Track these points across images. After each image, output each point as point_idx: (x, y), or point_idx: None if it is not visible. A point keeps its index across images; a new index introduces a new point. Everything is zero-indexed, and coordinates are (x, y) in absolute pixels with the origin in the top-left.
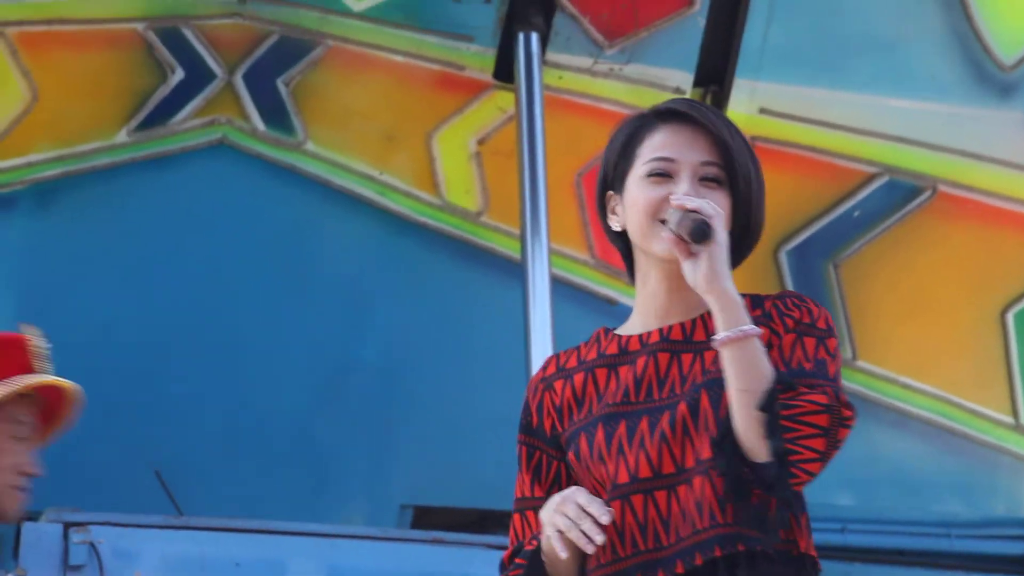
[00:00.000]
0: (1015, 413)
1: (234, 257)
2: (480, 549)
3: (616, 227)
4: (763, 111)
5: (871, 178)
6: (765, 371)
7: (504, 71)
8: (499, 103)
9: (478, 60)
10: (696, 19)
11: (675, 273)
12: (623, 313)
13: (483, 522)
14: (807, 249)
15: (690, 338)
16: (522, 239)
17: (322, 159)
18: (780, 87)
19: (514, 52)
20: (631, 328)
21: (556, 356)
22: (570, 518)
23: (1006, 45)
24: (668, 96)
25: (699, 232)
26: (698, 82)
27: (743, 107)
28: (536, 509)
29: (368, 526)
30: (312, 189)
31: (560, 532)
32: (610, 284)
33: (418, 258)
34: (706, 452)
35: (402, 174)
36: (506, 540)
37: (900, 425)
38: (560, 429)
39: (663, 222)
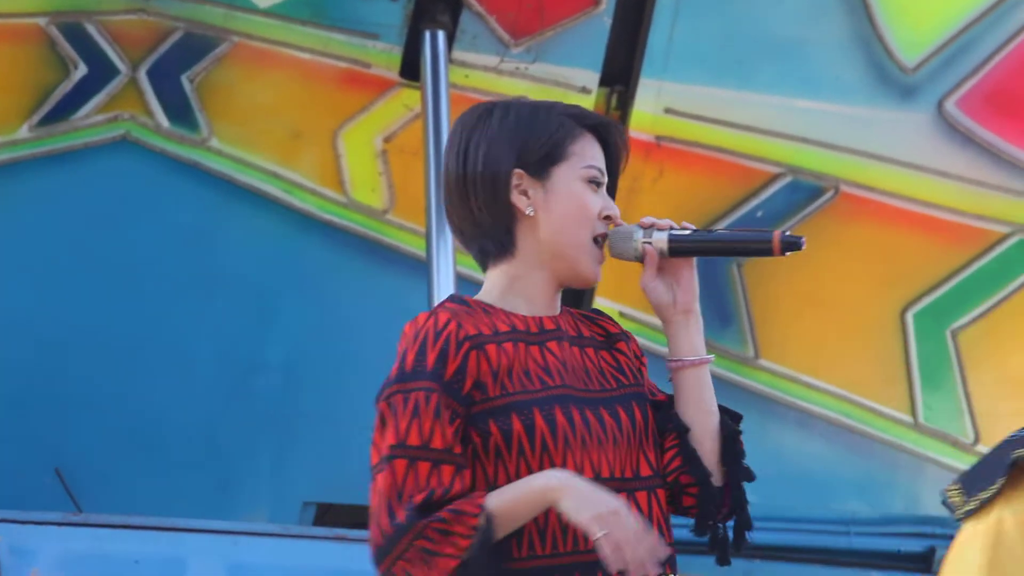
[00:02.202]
0: (914, 412)
1: (137, 254)
2: None
3: (528, 211)
4: (668, 111)
5: (774, 178)
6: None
7: (410, 69)
8: (405, 101)
9: (384, 58)
10: (602, 19)
11: (555, 280)
12: None
13: None
14: None
15: (581, 334)
16: (427, 237)
17: (227, 156)
18: (686, 87)
19: (420, 50)
20: (517, 308)
21: (454, 316)
22: (629, 537)
23: (908, 47)
24: (575, 96)
25: (795, 245)
26: (604, 81)
27: (649, 107)
28: (454, 464)
29: (270, 523)
30: (216, 186)
31: (614, 546)
32: None
33: (323, 256)
34: (646, 469)
35: (307, 172)
36: None
37: (801, 424)
38: (491, 394)
39: (598, 241)
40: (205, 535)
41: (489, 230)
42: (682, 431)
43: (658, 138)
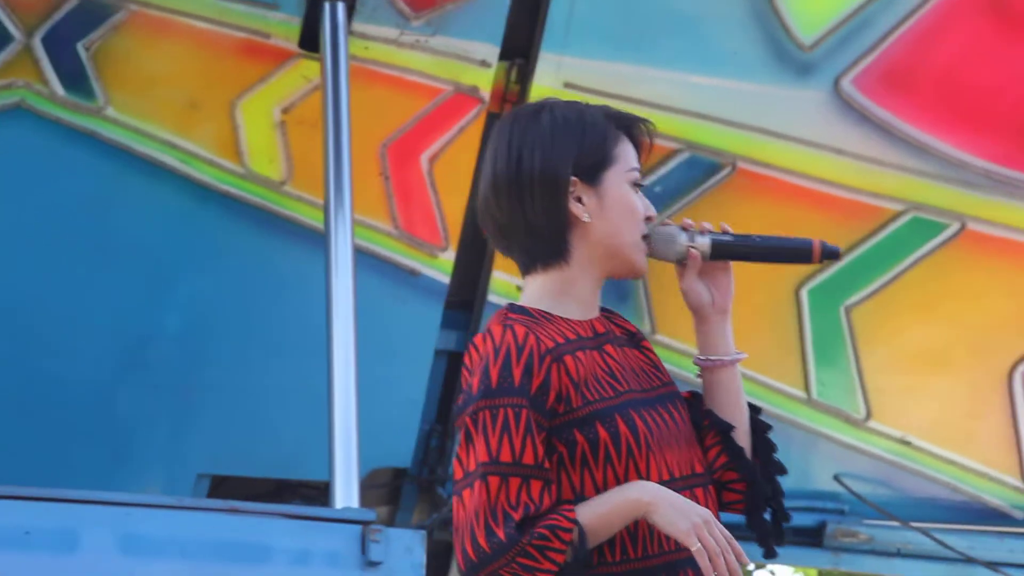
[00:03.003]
0: (807, 388)
1: (32, 224)
2: (277, 519)
3: (585, 218)
4: (568, 85)
5: (672, 154)
6: None
7: (310, 40)
8: (304, 72)
9: (283, 28)
10: None
11: (604, 277)
12: (425, 284)
13: (280, 492)
14: None
15: (623, 332)
16: (326, 209)
17: (123, 125)
18: (585, 62)
19: (320, 21)
20: (566, 311)
21: (529, 329)
22: (718, 544)
23: (805, 25)
24: (474, 68)
25: (833, 254)
26: (504, 55)
27: (549, 81)
28: (543, 480)
29: (164, 495)
30: (113, 156)
31: (711, 555)
32: (413, 255)
33: (221, 227)
34: (699, 465)
35: (205, 142)
36: (304, 510)
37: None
38: (574, 404)
39: (644, 238)
40: (97, 506)
41: (543, 235)
42: (726, 429)
43: None
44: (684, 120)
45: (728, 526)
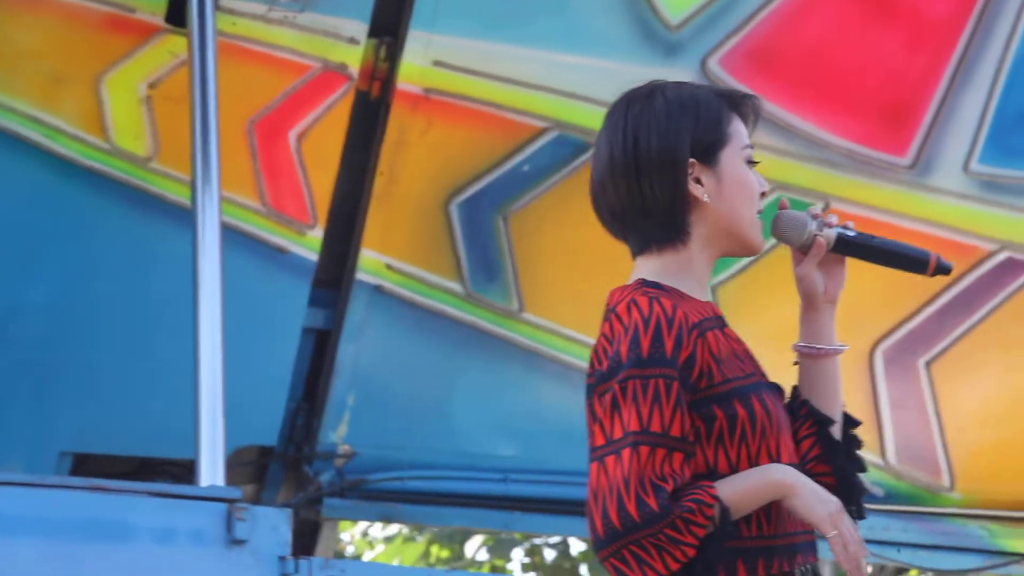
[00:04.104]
0: None
1: None
2: (141, 497)
3: (705, 198)
4: (437, 63)
5: (541, 132)
6: None
7: (176, 15)
8: (171, 48)
9: (149, 3)
10: None
11: (719, 255)
12: (293, 262)
13: (144, 470)
14: (477, 202)
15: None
16: (192, 186)
17: None
18: (455, 40)
19: None
20: (689, 290)
21: (675, 304)
22: (854, 536)
23: (673, 5)
24: (342, 45)
25: (945, 271)
26: (372, 32)
27: (418, 59)
28: (684, 452)
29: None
30: None
31: (843, 544)
32: (281, 233)
33: (86, 203)
34: (795, 455)
35: (69, 117)
36: (169, 488)
37: (564, 377)
38: (715, 380)
39: (758, 213)
40: None
41: (660, 217)
42: (825, 422)
43: (426, 91)
44: (553, 99)
45: None
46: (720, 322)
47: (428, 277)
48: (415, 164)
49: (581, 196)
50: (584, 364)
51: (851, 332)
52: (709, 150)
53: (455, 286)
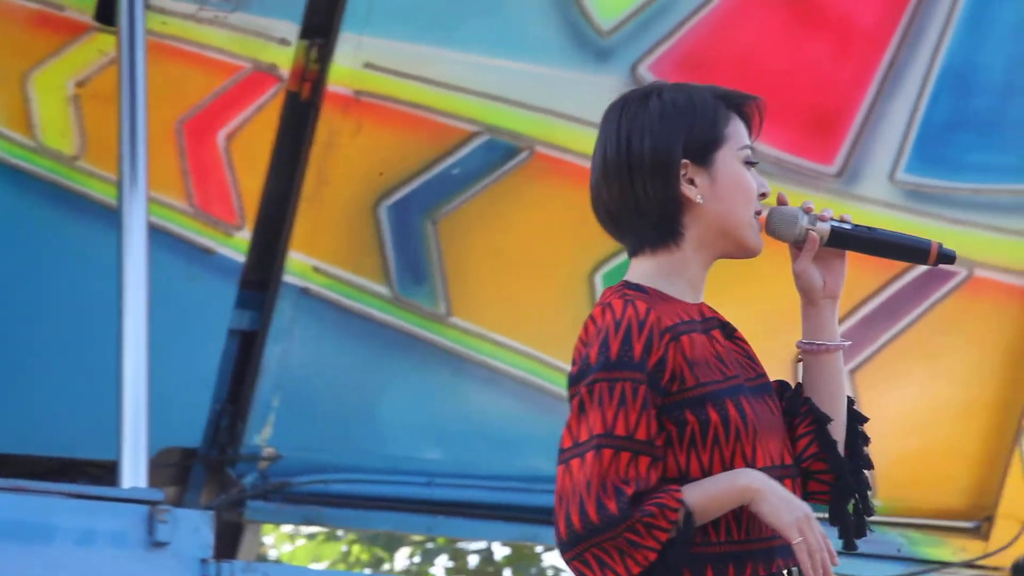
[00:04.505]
0: None
1: None
2: (61, 498)
3: (698, 199)
4: (368, 66)
5: (471, 136)
6: None
7: (105, 13)
8: (100, 46)
9: (78, 1)
10: None
11: (716, 257)
12: (220, 263)
13: (65, 471)
14: (407, 205)
15: (721, 322)
16: (119, 186)
17: None
18: (386, 42)
19: None
20: (679, 294)
21: (650, 307)
22: (821, 543)
23: (604, 10)
24: (273, 46)
25: (949, 259)
26: (304, 34)
27: (349, 61)
28: (651, 456)
29: None
30: None
31: (810, 551)
32: (208, 233)
33: (10, 202)
34: (789, 456)
35: None
36: (90, 489)
37: (491, 381)
38: (688, 384)
39: (756, 215)
40: None
41: (654, 218)
42: (823, 420)
43: (357, 93)
44: (483, 103)
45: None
46: (707, 324)
47: (356, 280)
48: (345, 166)
49: (511, 200)
50: (511, 369)
51: (776, 339)
52: (703, 151)
53: (383, 289)
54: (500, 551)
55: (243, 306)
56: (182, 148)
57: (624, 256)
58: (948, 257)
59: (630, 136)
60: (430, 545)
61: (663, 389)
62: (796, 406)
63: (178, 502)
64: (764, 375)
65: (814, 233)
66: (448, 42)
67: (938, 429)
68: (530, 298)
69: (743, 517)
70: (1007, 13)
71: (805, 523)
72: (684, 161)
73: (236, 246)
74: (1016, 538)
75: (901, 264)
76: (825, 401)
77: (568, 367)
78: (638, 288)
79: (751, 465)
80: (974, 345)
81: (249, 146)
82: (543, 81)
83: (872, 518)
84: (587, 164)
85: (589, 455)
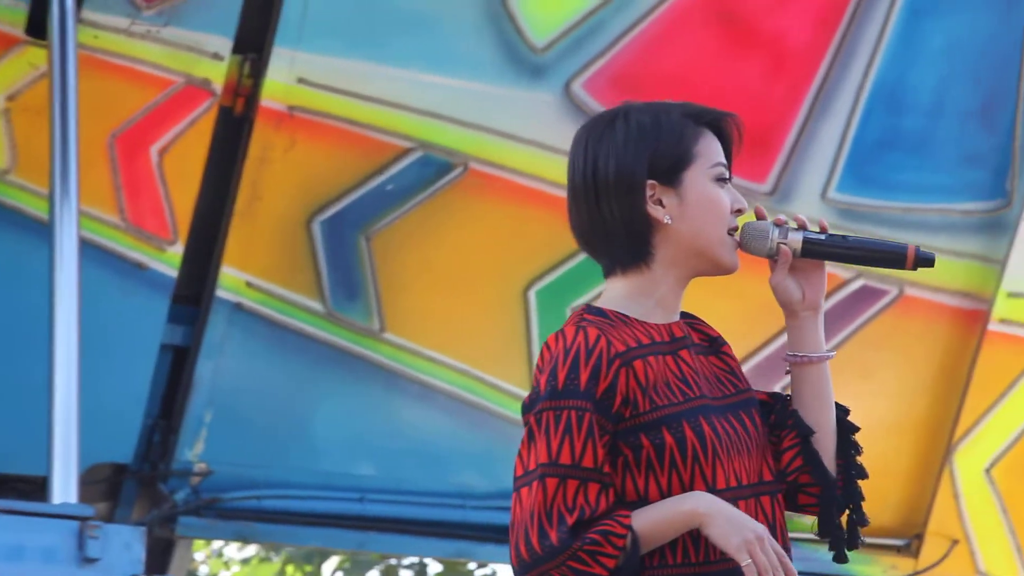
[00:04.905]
0: None
1: None
2: None
3: (666, 220)
4: (302, 81)
5: (405, 152)
6: None
7: (37, 27)
8: (31, 59)
9: (9, 14)
10: None
11: (690, 276)
12: (152, 278)
13: None
14: (340, 221)
15: (704, 339)
16: (51, 200)
17: None
18: (319, 58)
19: (48, 8)
20: (646, 315)
21: (602, 332)
22: (769, 561)
23: (538, 28)
24: (206, 61)
25: (928, 261)
26: (237, 49)
27: (282, 76)
28: (601, 483)
29: None
30: None
31: (760, 572)
32: (140, 248)
33: None
34: (768, 473)
35: None
36: (19, 505)
37: (424, 398)
38: (641, 409)
39: (731, 232)
40: None
41: (623, 240)
42: (807, 433)
43: (291, 108)
44: (417, 119)
45: None
46: (676, 344)
47: (289, 295)
48: (278, 181)
49: (444, 216)
50: (444, 385)
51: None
52: (670, 171)
53: (316, 305)
54: (433, 567)
55: (176, 321)
56: (114, 162)
57: (558, 272)
58: (927, 260)
59: (596, 159)
60: (362, 559)
61: (615, 415)
62: (784, 419)
63: (109, 518)
64: (744, 391)
65: (785, 247)
66: (382, 58)
67: (870, 446)
68: (463, 314)
69: (700, 540)
70: (936, 35)
71: (755, 544)
72: (650, 182)
73: (169, 261)
74: (946, 556)
75: (834, 283)
76: (815, 412)
77: (501, 383)
78: (598, 312)
79: (711, 486)
80: (905, 363)
81: (182, 161)
82: (477, 97)
83: (804, 535)
84: (521, 180)
85: (535, 484)
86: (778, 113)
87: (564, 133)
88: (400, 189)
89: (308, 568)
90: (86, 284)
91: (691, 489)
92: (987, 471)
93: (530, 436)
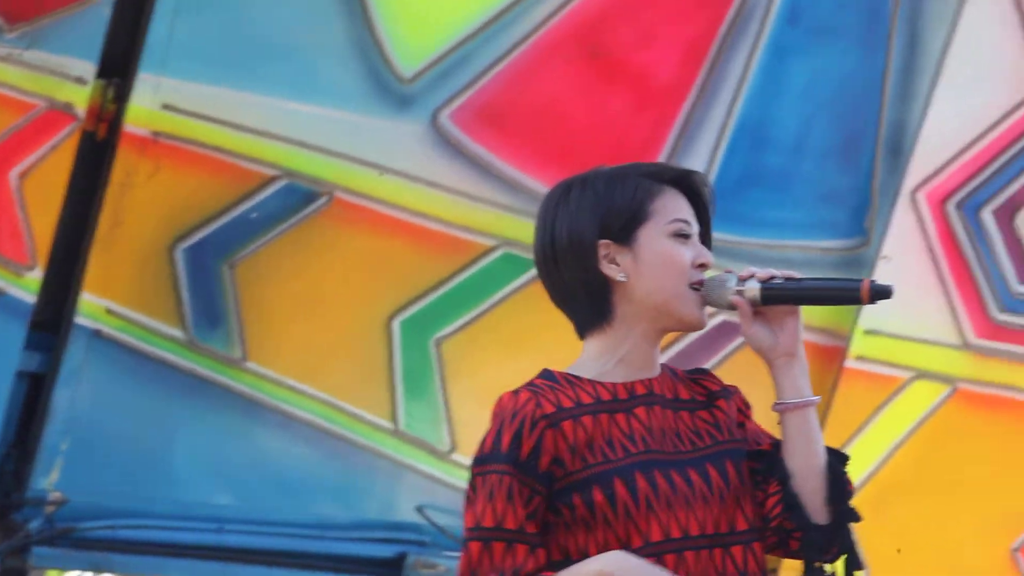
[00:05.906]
0: (394, 418)
1: None
2: None
3: (620, 278)
4: (167, 107)
5: (270, 180)
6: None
7: None
8: None
9: None
10: (101, 9)
11: (658, 332)
12: (9, 303)
13: None
14: (203, 248)
15: (678, 396)
16: None
17: None
18: (185, 84)
19: None
20: (608, 376)
21: (534, 394)
22: None
23: (406, 57)
24: (69, 85)
25: (884, 293)
26: (101, 73)
27: (147, 102)
28: (528, 544)
29: None
30: None
31: None
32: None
33: None
34: (742, 523)
35: None
36: None
37: (284, 427)
38: (570, 468)
39: (695, 288)
40: None
41: (585, 301)
42: (784, 478)
43: (155, 134)
44: (282, 147)
45: None
46: (630, 403)
47: (149, 323)
48: (141, 207)
49: (308, 245)
50: (305, 415)
51: None
52: (624, 229)
53: (177, 332)
54: None
55: (33, 348)
56: None
57: (423, 303)
58: (883, 292)
59: (554, 226)
60: None
61: (545, 475)
62: (769, 468)
63: None
64: (720, 443)
65: (739, 298)
66: (248, 85)
67: None
68: (326, 344)
69: None
70: (799, 74)
71: None
72: (603, 241)
73: (27, 286)
74: None
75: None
76: (801, 457)
77: (363, 413)
78: (548, 375)
79: (645, 539)
80: (766, 398)
81: (42, 185)
82: (343, 127)
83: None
84: (386, 210)
85: (469, 545)
86: (643, 148)
87: (430, 164)
88: (265, 217)
89: None
90: None
91: (627, 543)
92: None
93: (467, 499)
